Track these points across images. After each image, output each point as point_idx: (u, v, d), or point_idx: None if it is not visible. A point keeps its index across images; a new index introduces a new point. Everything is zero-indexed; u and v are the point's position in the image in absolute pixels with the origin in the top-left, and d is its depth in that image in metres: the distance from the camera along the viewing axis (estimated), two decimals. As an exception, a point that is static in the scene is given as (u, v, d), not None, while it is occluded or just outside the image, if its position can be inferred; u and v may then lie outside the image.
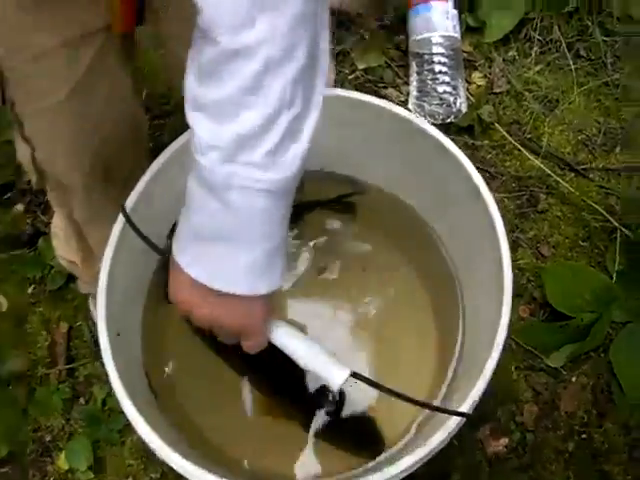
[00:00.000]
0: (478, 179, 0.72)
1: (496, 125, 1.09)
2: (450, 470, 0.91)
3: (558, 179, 1.05)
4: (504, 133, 1.08)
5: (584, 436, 0.95)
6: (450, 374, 0.81)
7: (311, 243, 0.90)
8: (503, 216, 0.70)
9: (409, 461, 0.60)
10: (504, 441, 0.93)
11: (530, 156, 1.07)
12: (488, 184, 0.81)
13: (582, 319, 0.96)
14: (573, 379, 0.97)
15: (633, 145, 1.08)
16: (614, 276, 0.99)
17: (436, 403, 0.79)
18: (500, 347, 0.65)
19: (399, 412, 0.80)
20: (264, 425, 0.78)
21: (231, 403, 0.81)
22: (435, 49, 1.11)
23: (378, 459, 0.77)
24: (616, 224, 1.02)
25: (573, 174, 1.07)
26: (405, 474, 0.61)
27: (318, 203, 0.90)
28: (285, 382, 0.80)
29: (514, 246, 1.03)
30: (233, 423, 0.79)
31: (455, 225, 0.82)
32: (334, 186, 0.90)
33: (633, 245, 1.01)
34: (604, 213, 1.03)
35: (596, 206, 1.03)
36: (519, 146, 1.07)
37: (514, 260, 1.01)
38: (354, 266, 0.89)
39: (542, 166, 1.06)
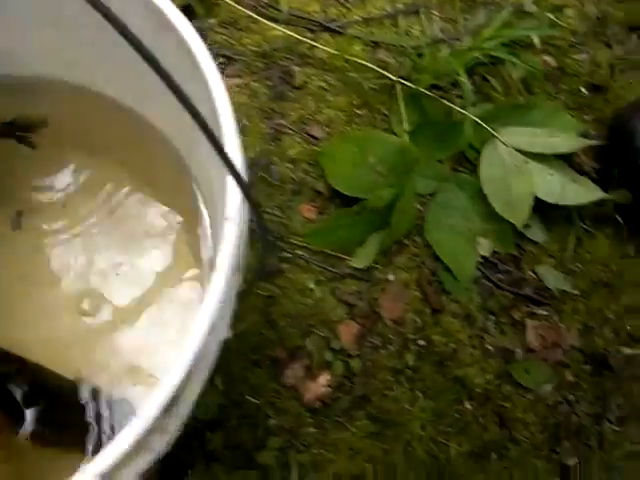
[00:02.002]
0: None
1: (220, -3, 0.85)
2: (263, 437, 0.66)
3: (312, 43, 0.83)
4: (233, 4, 0.84)
5: (422, 342, 0.73)
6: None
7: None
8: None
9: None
10: (325, 378, 0.69)
11: (272, 24, 0.83)
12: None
13: (380, 197, 0.73)
14: (390, 277, 0.75)
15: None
16: (406, 138, 0.78)
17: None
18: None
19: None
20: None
21: None
22: None
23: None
24: (393, 78, 0.81)
25: (328, 34, 0.85)
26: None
27: None
28: None
29: (278, 136, 0.78)
30: None
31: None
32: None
33: (419, 97, 0.80)
34: (377, 69, 0.81)
35: (366, 63, 0.82)
36: (255, 15, 0.83)
37: (283, 152, 0.78)
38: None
39: (288, 32, 0.83)
